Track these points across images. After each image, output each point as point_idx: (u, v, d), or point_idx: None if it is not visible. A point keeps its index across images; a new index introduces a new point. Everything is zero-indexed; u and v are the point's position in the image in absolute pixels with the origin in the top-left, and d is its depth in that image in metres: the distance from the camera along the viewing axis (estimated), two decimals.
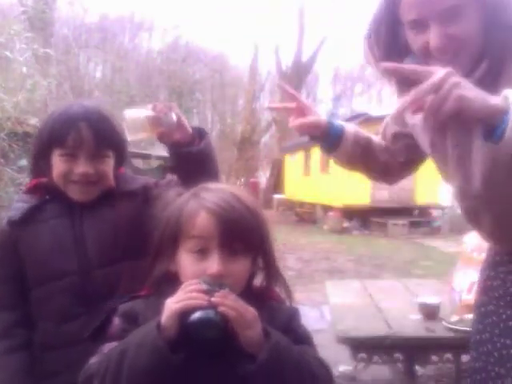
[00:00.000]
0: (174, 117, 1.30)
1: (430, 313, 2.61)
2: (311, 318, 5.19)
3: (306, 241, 11.31)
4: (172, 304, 0.91)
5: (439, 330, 2.45)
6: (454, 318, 2.45)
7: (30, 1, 10.22)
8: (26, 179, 7.47)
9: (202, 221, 0.97)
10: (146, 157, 16.19)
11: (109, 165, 1.38)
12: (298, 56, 21.98)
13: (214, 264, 0.95)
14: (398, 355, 2.59)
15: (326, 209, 14.22)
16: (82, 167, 1.32)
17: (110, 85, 19.61)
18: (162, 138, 1.33)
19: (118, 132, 1.38)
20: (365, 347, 2.58)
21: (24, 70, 7.82)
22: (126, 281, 1.31)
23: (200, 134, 1.38)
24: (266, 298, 1.07)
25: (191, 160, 1.34)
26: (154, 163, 16.24)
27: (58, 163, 1.34)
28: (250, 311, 0.92)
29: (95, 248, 1.35)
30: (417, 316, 2.66)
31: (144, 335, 0.90)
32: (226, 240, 0.96)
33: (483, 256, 2.57)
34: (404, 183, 11.47)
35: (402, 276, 6.73)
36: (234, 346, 0.92)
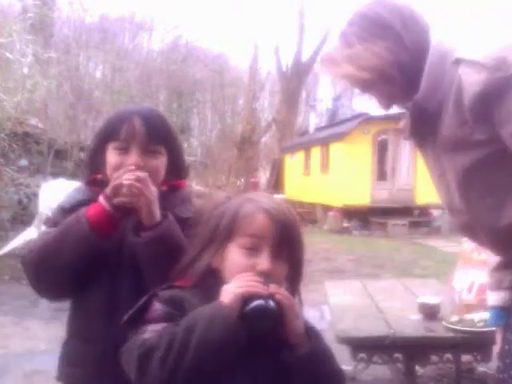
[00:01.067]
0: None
1: (430, 313, 2.61)
2: (311, 318, 5.19)
3: (306, 241, 11.26)
4: (234, 288, 0.97)
5: (439, 330, 2.46)
6: (454, 318, 2.45)
7: (30, 1, 10.22)
8: (26, 179, 7.50)
9: (260, 221, 1.05)
10: None
11: (161, 162, 1.36)
12: (298, 56, 21.96)
13: (265, 261, 1.03)
14: (397, 355, 2.59)
15: (326, 209, 14.22)
16: (132, 158, 1.31)
17: (110, 85, 19.59)
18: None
19: (170, 130, 1.41)
20: (365, 347, 2.58)
21: (24, 70, 7.82)
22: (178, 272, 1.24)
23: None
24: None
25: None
26: None
27: (111, 156, 1.34)
28: (297, 304, 1.03)
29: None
30: (417, 316, 2.66)
31: (213, 312, 0.95)
32: (277, 241, 1.04)
33: (483, 256, 2.57)
34: (404, 183, 11.54)
35: (402, 276, 6.73)
36: (282, 335, 1.00)
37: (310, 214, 15.93)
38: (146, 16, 26.72)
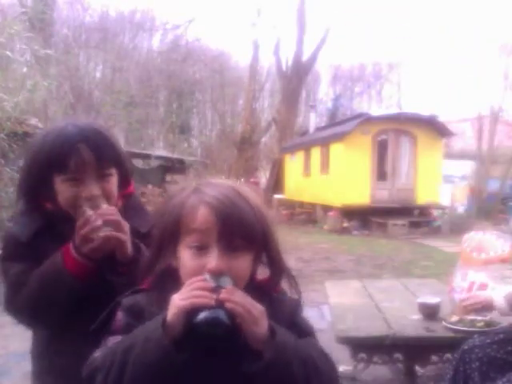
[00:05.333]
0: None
1: (430, 313, 2.62)
2: (311, 318, 5.18)
3: (306, 241, 11.30)
4: (178, 301, 0.90)
5: (439, 330, 2.46)
6: (454, 318, 2.45)
7: (30, 1, 10.22)
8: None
9: (201, 215, 0.96)
10: (146, 157, 16.20)
11: (113, 183, 1.34)
12: (298, 56, 21.96)
13: (212, 259, 0.94)
14: (397, 355, 2.59)
15: (326, 209, 14.22)
16: (88, 190, 1.28)
17: (110, 85, 19.59)
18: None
19: (117, 148, 1.35)
20: (365, 347, 2.58)
21: (24, 70, 7.82)
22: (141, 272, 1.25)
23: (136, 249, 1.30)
24: (269, 290, 1.07)
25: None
26: (154, 163, 16.25)
27: (62, 189, 1.29)
28: (257, 307, 0.92)
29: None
30: (417, 316, 2.66)
31: (150, 332, 0.89)
32: (225, 235, 0.95)
33: (483, 256, 2.59)
34: (404, 183, 11.57)
35: (402, 276, 6.73)
36: (241, 342, 0.91)
37: (310, 214, 15.93)
38: (145, 16, 26.71)
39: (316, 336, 1.09)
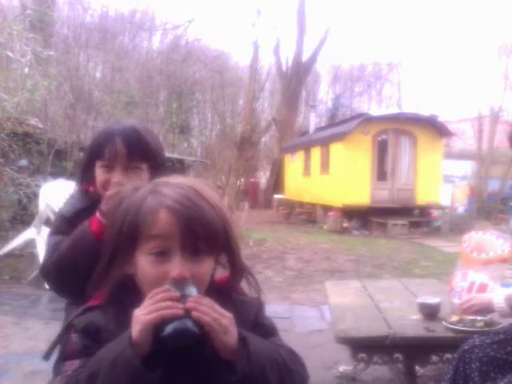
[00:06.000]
0: None
1: (430, 313, 2.62)
2: (311, 317, 5.19)
3: (306, 241, 11.30)
4: (143, 316, 0.83)
5: (439, 330, 2.46)
6: (454, 318, 2.45)
7: (30, 1, 10.22)
8: (26, 179, 7.50)
9: (163, 220, 0.89)
10: None
11: (143, 176, 1.53)
12: (298, 56, 21.96)
13: (175, 266, 0.88)
14: (397, 355, 2.59)
15: (326, 209, 14.22)
16: (116, 177, 1.50)
17: (110, 85, 19.57)
18: None
19: (152, 147, 1.56)
20: (365, 347, 2.58)
21: (25, 70, 7.81)
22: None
23: None
24: (230, 291, 1.03)
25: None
26: None
27: (98, 173, 1.55)
28: (226, 316, 0.87)
29: None
30: (417, 316, 2.66)
31: (116, 354, 0.83)
32: (188, 240, 0.90)
33: (483, 256, 2.59)
34: (404, 183, 11.58)
35: (402, 276, 6.73)
36: (211, 353, 0.87)
37: (310, 214, 15.93)
38: (145, 16, 26.71)
39: (278, 332, 1.07)
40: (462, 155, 18.52)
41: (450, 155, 16.92)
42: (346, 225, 13.18)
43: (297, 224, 15.33)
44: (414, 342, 2.51)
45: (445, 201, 14.61)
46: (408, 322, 2.62)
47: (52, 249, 1.54)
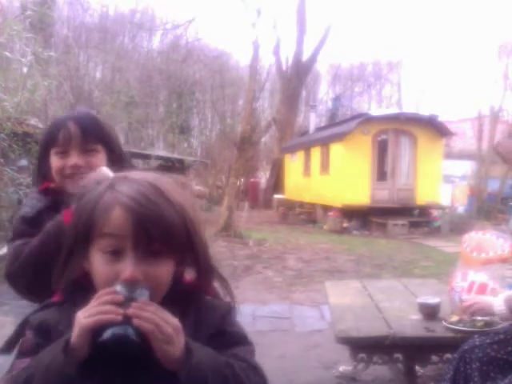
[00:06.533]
0: None
1: (430, 313, 2.62)
2: (311, 317, 5.19)
3: (306, 241, 11.30)
4: (82, 319, 0.80)
5: (439, 330, 2.46)
6: (454, 318, 2.45)
7: (30, 1, 10.22)
8: (26, 179, 7.50)
9: (116, 217, 0.85)
10: (146, 157, 16.20)
11: (99, 158, 1.51)
12: (298, 56, 21.95)
13: (127, 267, 0.84)
14: (397, 355, 2.59)
15: (326, 209, 14.22)
16: (72, 160, 1.48)
17: (110, 85, 19.59)
18: None
19: (105, 129, 1.55)
20: (365, 347, 2.58)
21: (24, 70, 7.82)
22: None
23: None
24: (199, 295, 0.98)
25: None
26: (154, 163, 16.25)
27: (54, 161, 1.50)
28: (171, 323, 0.82)
29: None
30: (417, 316, 2.66)
31: (51, 359, 0.79)
32: (141, 240, 0.85)
33: (483, 256, 2.59)
34: (404, 183, 11.57)
35: (402, 276, 6.73)
36: (153, 361, 0.83)
37: (310, 214, 15.93)
38: (145, 16, 26.71)
39: (248, 342, 1.00)
40: (461, 155, 18.52)
41: (449, 155, 16.91)
42: (345, 225, 13.18)
43: (297, 224, 15.33)
44: (414, 342, 2.51)
45: (445, 201, 14.61)
46: (408, 322, 2.62)
47: (16, 250, 1.43)
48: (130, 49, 25.03)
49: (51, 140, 1.50)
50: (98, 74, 23.15)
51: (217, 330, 0.96)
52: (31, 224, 1.47)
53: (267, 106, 31.20)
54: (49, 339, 0.86)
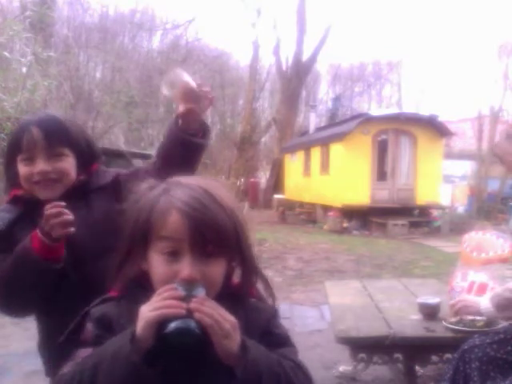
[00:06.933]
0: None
1: (430, 313, 2.61)
2: (311, 317, 5.19)
3: (306, 241, 11.30)
4: (147, 313, 0.86)
5: (439, 330, 2.46)
6: (454, 318, 2.45)
7: (30, 2, 10.22)
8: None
9: (173, 222, 0.92)
10: (146, 157, 16.19)
11: (67, 162, 1.46)
12: (298, 56, 21.95)
13: (185, 267, 0.91)
14: (397, 355, 2.59)
15: (326, 209, 14.22)
16: (39, 166, 1.41)
17: (110, 85, 19.59)
18: (181, 102, 1.45)
19: (72, 131, 1.47)
20: (365, 347, 2.58)
21: (24, 70, 7.82)
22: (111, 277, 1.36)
23: (205, 129, 1.48)
24: (245, 296, 1.03)
25: (191, 150, 1.44)
26: None
27: (20, 168, 1.44)
28: (229, 320, 0.87)
29: (76, 247, 1.39)
30: (417, 316, 2.66)
31: (118, 348, 0.85)
32: (197, 242, 0.91)
33: (483, 256, 2.59)
34: (404, 183, 11.58)
35: (402, 276, 6.73)
36: (212, 356, 0.87)
37: (310, 214, 15.93)
38: (145, 16, 26.72)
39: (292, 343, 1.06)
40: (461, 155, 18.52)
41: (450, 155, 16.92)
42: (345, 225, 13.18)
43: (297, 224, 15.33)
44: (414, 342, 2.51)
45: (445, 201, 14.62)
46: (408, 322, 2.62)
47: None
48: (130, 49, 25.02)
49: (16, 146, 1.44)
50: (98, 74, 23.15)
51: (264, 331, 1.01)
52: (3, 238, 1.41)
53: (267, 106, 31.21)
54: (110, 331, 0.93)
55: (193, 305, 0.86)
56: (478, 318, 2.37)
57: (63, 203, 1.32)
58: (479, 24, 60.99)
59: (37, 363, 3.80)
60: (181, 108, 1.46)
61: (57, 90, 9.63)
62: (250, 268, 1.02)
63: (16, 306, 1.44)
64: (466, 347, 2.13)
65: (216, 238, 0.93)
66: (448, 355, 2.45)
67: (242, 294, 1.03)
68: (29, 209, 1.45)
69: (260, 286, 1.06)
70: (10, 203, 1.48)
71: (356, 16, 60.24)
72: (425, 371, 3.10)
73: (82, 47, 18.97)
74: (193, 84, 1.45)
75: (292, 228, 14.22)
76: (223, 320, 0.87)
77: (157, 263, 0.94)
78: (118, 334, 0.90)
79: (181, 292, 0.88)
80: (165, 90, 1.47)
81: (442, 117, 15.79)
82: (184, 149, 1.44)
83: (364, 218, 13.24)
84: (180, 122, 1.47)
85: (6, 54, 7.35)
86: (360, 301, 3.17)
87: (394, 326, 2.56)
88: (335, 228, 13.12)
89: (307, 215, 16.13)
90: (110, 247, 1.39)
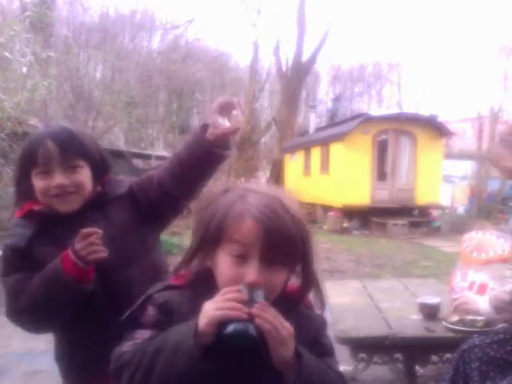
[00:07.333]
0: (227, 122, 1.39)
1: (430, 313, 2.62)
2: None
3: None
4: (212, 311, 0.90)
5: (439, 330, 2.46)
6: (454, 318, 2.45)
7: (30, 2, 10.22)
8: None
9: (247, 228, 0.95)
10: (146, 157, 16.21)
11: (83, 174, 1.45)
12: (298, 56, 21.94)
13: (252, 272, 0.94)
14: (397, 355, 2.59)
15: (326, 209, 14.22)
16: (56, 180, 1.40)
17: (110, 85, 19.58)
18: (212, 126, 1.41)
19: (85, 143, 1.46)
20: (365, 347, 2.58)
21: (24, 70, 7.82)
22: (138, 283, 1.36)
23: (226, 143, 1.48)
24: (297, 303, 1.07)
25: (215, 161, 1.46)
26: (154, 163, 16.26)
27: (36, 182, 1.42)
28: (286, 328, 0.91)
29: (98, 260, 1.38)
30: (417, 316, 2.66)
31: (180, 340, 0.90)
32: (267, 249, 0.95)
33: (483, 256, 2.59)
34: (404, 183, 11.57)
35: (402, 276, 6.73)
36: (266, 360, 0.91)
37: (310, 214, 15.93)
38: (145, 16, 26.71)
39: (334, 354, 1.09)
40: (461, 155, 18.52)
41: (450, 155, 16.92)
42: (346, 225, 13.18)
43: None
44: (414, 342, 2.51)
45: (445, 201, 14.61)
46: (408, 322, 2.62)
47: (15, 288, 1.38)
48: (130, 49, 25.01)
49: (30, 160, 1.41)
50: (98, 74, 23.14)
51: (314, 340, 1.05)
52: (24, 255, 1.39)
53: (267, 106, 31.20)
54: (170, 318, 0.98)
55: (255, 310, 0.89)
56: (479, 318, 2.37)
57: (100, 231, 1.33)
58: (479, 24, 61.01)
59: (37, 363, 3.81)
60: (218, 129, 1.41)
61: (57, 90, 9.64)
62: (310, 279, 1.05)
63: (43, 327, 1.44)
64: (465, 347, 2.13)
65: (285, 247, 0.96)
66: (448, 355, 2.45)
67: (296, 301, 1.06)
68: (45, 223, 1.43)
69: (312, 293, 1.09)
70: (24, 217, 1.45)
71: (356, 16, 60.24)
72: (425, 371, 3.09)
73: (82, 47, 18.96)
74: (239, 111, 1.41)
75: None
76: (281, 327, 0.90)
77: (224, 263, 0.98)
78: (177, 323, 0.94)
79: (245, 296, 0.91)
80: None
81: (442, 117, 15.81)
82: (205, 159, 1.45)
83: (364, 217, 13.23)
84: (208, 136, 1.43)
85: (7, 54, 7.35)
86: (360, 301, 3.17)
87: (394, 326, 2.56)
88: (335, 228, 13.11)
89: (307, 215, 16.01)
90: (131, 258, 1.41)
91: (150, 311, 1.02)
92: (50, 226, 1.42)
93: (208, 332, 0.89)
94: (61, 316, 1.38)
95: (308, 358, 0.94)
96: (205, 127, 1.43)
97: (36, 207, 1.44)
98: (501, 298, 2.22)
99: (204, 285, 1.01)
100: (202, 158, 1.44)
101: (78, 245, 1.31)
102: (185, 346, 0.88)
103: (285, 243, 0.96)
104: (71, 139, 1.44)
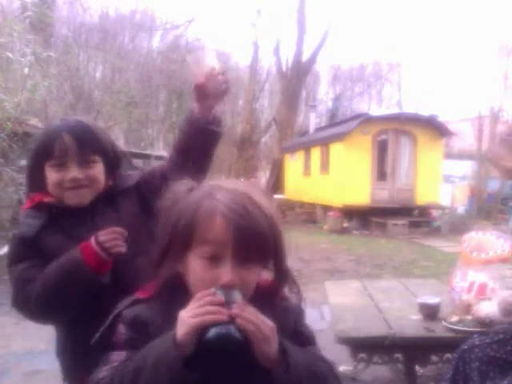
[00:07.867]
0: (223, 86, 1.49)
1: (430, 313, 2.62)
2: (311, 317, 5.19)
3: (306, 241, 11.30)
4: (189, 318, 0.85)
5: (439, 330, 2.46)
6: (454, 318, 2.45)
7: (30, 2, 10.22)
8: (25, 180, 7.51)
9: (218, 227, 0.91)
10: (146, 157, 16.20)
11: (97, 169, 1.46)
12: (298, 56, 21.94)
13: (227, 273, 0.90)
14: (397, 355, 2.59)
15: (326, 209, 14.22)
16: (71, 173, 1.41)
17: (110, 85, 19.57)
18: (200, 87, 1.46)
19: (101, 138, 1.48)
20: (365, 347, 2.58)
21: (25, 70, 7.82)
22: (145, 274, 1.36)
23: (218, 119, 1.51)
24: (272, 297, 1.04)
25: (208, 139, 1.48)
26: (154, 163, 16.26)
27: (50, 174, 1.43)
28: (268, 325, 0.88)
29: None
30: (417, 316, 2.66)
31: (161, 354, 0.85)
32: (240, 247, 0.91)
33: (483, 256, 2.60)
34: (404, 183, 11.57)
35: (402, 276, 6.73)
36: (252, 360, 0.88)
37: (310, 213, 15.93)
38: (145, 16, 26.72)
39: (316, 341, 1.07)
40: (461, 155, 18.52)
41: (450, 155, 16.91)
42: (345, 225, 13.18)
43: (297, 224, 15.32)
44: (414, 342, 2.51)
45: (445, 201, 14.61)
46: (408, 322, 2.62)
47: (22, 277, 1.38)
48: (130, 49, 24.99)
49: (45, 153, 1.42)
50: (98, 74, 23.13)
51: (294, 330, 1.02)
52: (33, 245, 1.40)
53: (267, 106, 31.19)
54: (144, 334, 0.93)
55: (234, 311, 0.86)
56: (487, 321, 2.37)
57: (125, 231, 1.36)
58: (479, 24, 61.02)
59: (37, 363, 3.81)
60: (197, 85, 1.48)
61: (57, 90, 9.63)
62: (283, 273, 1.02)
63: (52, 316, 1.43)
64: (465, 347, 2.13)
65: (257, 244, 0.93)
66: (448, 355, 2.45)
67: (272, 295, 1.03)
68: (54, 215, 1.43)
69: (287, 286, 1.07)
70: (34, 209, 1.45)
71: (356, 17, 60.24)
72: (425, 371, 3.10)
73: (82, 47, 18.95)
74: (217, 70, 1.49)
75: (292, 228, 14.22)
76: (263, 325, 0.87)
77: (196, 267, 0.93)
78: (155, 337, 0.89)
79: (221, 298, 0.88)
80: (190, 63, 1.50)
81: (442, 117, 15.81)
82: (201, 138, 1.47)
83: (364, 217, 13.23)
84: (196, 110, 1.49)
85: (8, 54, 7.35)
86: (360, 301, 3.17)
87: (394, 326, 2.57)
88: (335, 228, 13.12)
89: (307, 215, 16.12)
90: (139, 250, 1.39)
91: (121, 330, 0.96)
92: (60, 218, 1.43)
93: (188, 341, 0.85)
94: (72, 307, 1.38)
95: (294, 352, 0.92)
96: (194, 110, 1.48)
97: (46, 199, 1.45)
98: (509, 301, 2.22)
99: (176, 292, 0.96)
100: (196, 137, 1.46)
101: (104, 237, 1.34)
102: (166, 360, 0.84)
103: (257, 240, 0.92)
104: (88, 134, 1.45)
